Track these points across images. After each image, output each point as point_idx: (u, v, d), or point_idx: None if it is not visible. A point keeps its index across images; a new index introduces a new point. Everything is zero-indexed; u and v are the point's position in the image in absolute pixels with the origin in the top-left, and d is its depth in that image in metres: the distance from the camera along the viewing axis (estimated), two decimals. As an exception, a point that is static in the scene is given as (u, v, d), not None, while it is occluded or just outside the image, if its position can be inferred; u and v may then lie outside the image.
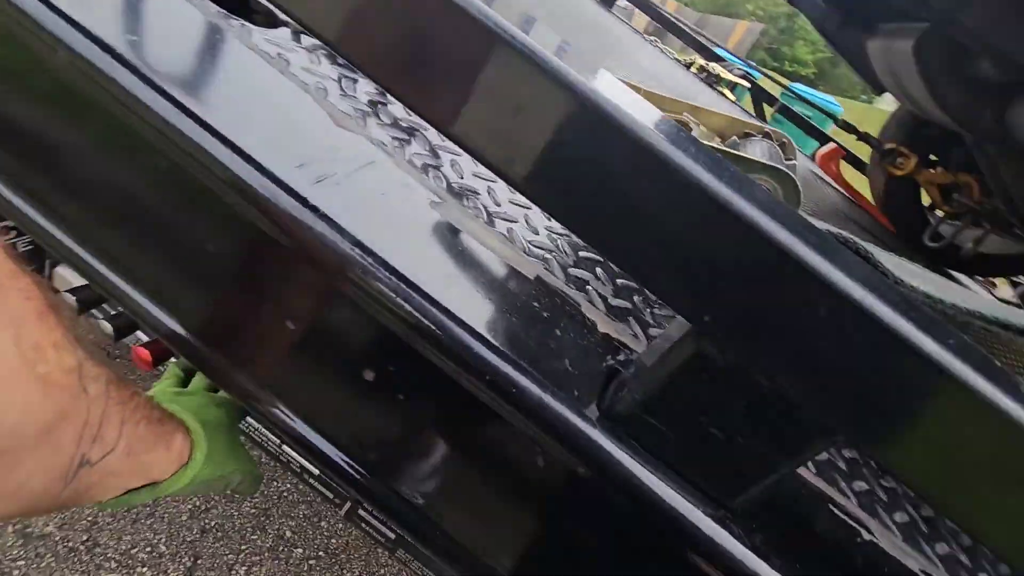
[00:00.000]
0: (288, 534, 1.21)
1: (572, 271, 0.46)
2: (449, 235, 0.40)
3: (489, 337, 0.33)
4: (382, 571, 1.23)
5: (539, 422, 0.33)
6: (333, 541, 1.24)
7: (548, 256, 0.45)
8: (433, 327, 0.32)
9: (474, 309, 0.34)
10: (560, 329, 0.39)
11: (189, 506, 1.16)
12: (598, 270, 0.49)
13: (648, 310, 0.49)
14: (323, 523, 1.26)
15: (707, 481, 0.33)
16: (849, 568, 0.37)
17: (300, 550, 1.20)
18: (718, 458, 0.32)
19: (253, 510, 1.22)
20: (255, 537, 1.18)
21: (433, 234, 0.39)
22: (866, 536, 0.39)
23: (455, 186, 0.46)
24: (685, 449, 0.33)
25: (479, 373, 0.32)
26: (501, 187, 0.50)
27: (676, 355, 0.31)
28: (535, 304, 0.39)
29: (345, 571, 1.20)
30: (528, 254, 0.44)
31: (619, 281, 0.50)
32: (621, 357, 0.40)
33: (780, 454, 0.31)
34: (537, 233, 0.48)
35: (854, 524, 0.40)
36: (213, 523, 1.16)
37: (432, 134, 0.51)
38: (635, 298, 0.49)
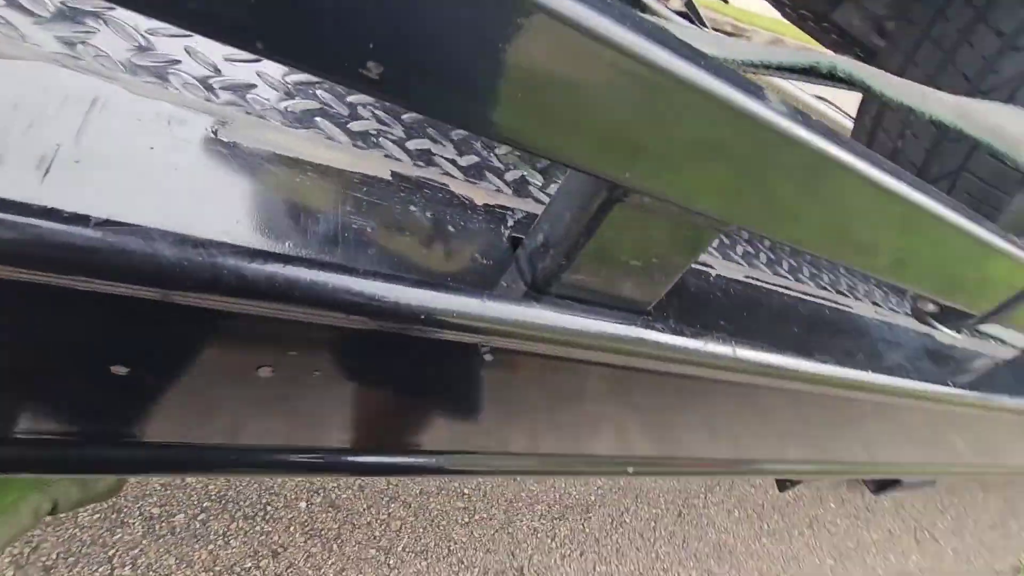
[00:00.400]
0: (156, 511, 1.09)
1: (411, 146, 0.42)
2: (267, 166, 0.32)
3: (397, 275, 0.30)
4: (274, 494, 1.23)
5: (486, 330, 0.34)
6: (211, 487, 1.16)
7: (378, 141, 0.40)
8: (351, 302, 0.28)
9: (360, 254, 0.31)
10: (446, 222, 0.37)
11: (7, 559, 0.94)
12: (431, 131, 0.45)
13: (489, 152, 0.49)
14: (188, 482, 1.15)
15: (629, 301, 0.39)
16: (721, 308, 0.50)
17: (180, 516, 1.11)
18: (634, 280, 0.38)
19: (95, 515, 1.04)
20: (119, 534, 1.04)
21: (250, 172, 0.31)
22: (714, 272, 0.52)
23: (215, 85, 0.35)
24: (607, 286, 0.37)
25: (408, 320, 0.31)
26: (271, 70, 0.39)
27: (591, 212, 0.33)
28: (411, 207, 0.36)
29: (242, 503, 1.17)
30: (364, 147, 0.38)
31: (454, 135, 0.47)
32: (511, 223, 0.41)
33: (681, 256, 0.38)
34: (356, 120, 0.41)
35: (706, 268, 0.52)
36: (56, 553, 0.98)
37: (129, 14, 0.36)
38: (478, 147, 0.48)
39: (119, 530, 0.99)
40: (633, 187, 0.30)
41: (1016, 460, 0.97)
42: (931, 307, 0.56)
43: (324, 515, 1.08)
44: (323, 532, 1.05)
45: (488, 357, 0.38)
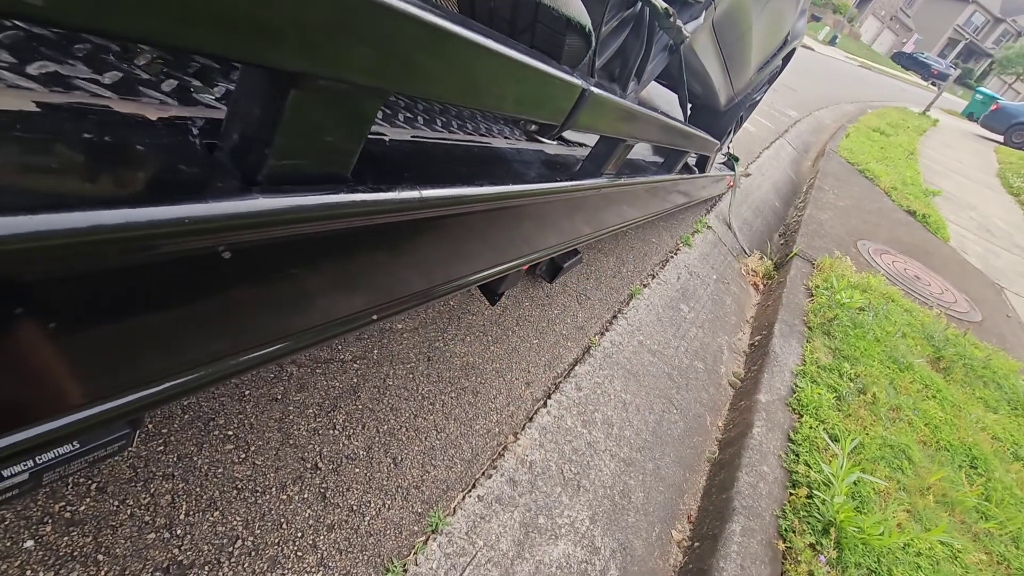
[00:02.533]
0: None
1: (33, 71, 0.37)
2: None
3: (109, 199, 0.31)
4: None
5: (219, 229, 0.37)
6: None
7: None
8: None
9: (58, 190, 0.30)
10: (132, 143, 0.36)
11: None
12: (44, 50, 0.40)
13: (131, 66, 0.45)
14: None
15: (331, 174, 0.46)
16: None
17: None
18: (329, 154, 0.45)
19: None
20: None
21: None
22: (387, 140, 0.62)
23: None
24: (310, 165, 0.43)
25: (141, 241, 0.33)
26: None
27: (274, 102, 0.38)
28: (85, 135, 0.34)
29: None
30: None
31: (76, 50, 0.42)
32: (195, 131, 0.42)
33: (358, 125, 0.46)
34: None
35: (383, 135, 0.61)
36: None
37: None
38: (114, 61, 0.44)
39: None
40: (301, 71, 0.36)
41: (611, 221, 1.46)
42: (533, 127, 0.82)
43: (72, 531, 0.92)
44: (80, 527, 0.91)
45: (227, 255, 0.41)
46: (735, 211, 3.92)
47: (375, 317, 0.68)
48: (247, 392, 1.27)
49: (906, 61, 50.69)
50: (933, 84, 37.17)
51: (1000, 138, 16.64)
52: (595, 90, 0.80)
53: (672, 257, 2.96)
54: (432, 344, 1.66)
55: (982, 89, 20.50)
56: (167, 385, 0.45)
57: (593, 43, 0.87)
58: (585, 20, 0.81)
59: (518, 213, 0.86)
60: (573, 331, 2.06)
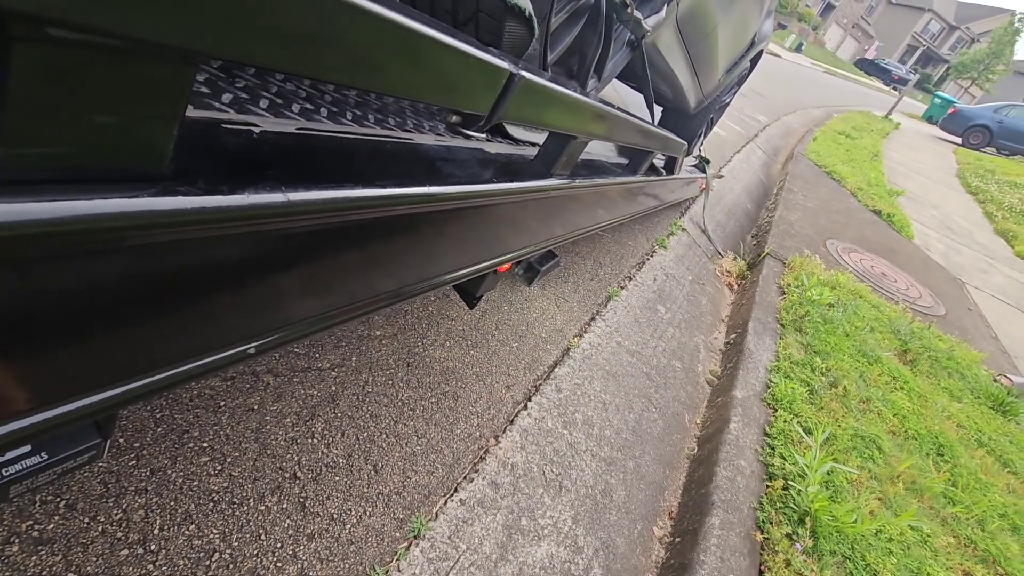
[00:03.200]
0: None
1: None
2: None
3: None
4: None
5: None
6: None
7: None
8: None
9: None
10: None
11: None
12: None
13: None
14: None
15: (135, 169, 0.47)
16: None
17: None
18: (118, 140, 0.38)
19: None
20: None
21: None
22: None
23: None
24: (83, 155, 0.44)
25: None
26: None
27: None
28: None
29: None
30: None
31: None
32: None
33: (161, 102, 0.46)
34: None
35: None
36: None
37: None
38: None
39: None
40: (31, 13, 0.23)
41: (578, 223, 1.48)
42: (454, 118, 0.72)
43: (40, 550, 0.90)
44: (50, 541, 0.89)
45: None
46: (709, 213, 4.00)
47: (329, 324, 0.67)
48: (222, 403, 1.25)
49: (868, 67, 52.46)
50: (894, 89, 38.54)
51: (958, 140, 17.33)
52: (528, 75, 0.68)
53: (648, 259, 3.00)
54: (412, 350, 1.66)
55: (940, 93, 21.33)
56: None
57: (536, 30, 0.82)
58: (524, 3, 0.76)
59: (473, 215, 0.85)
60: (552, 333, 2.07)
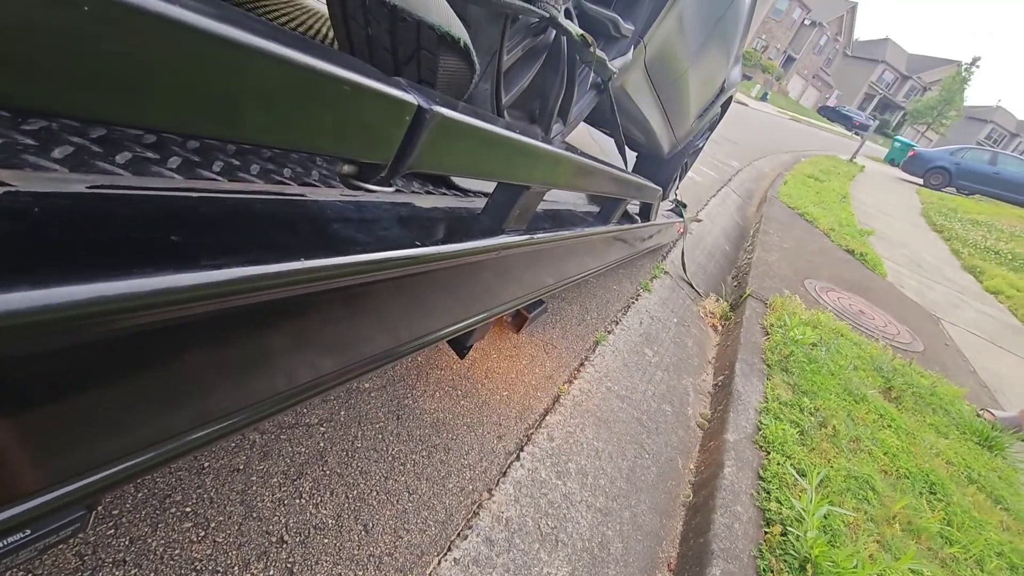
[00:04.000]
0: None
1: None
2: None
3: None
4: None
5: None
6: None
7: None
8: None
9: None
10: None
11: None
12: None
13: None
14: None
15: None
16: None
17: None
18: None
19: None
20: None
21: None
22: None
23: None
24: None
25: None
26: None
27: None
28: None
29: None
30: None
31: None
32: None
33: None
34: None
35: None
36: None
37: None
38: None
39: None
40: None
41: (572, 271, 1.51)
42: (347, 168, 0.52)
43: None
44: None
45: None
46: (690, 255, 4.10)
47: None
48: (206, 464, 1.21)
49: (831, 114, 55.41)
50: (856, 134, 40.62)
51: (920, 181, 18.19)
52: (444, 111, 0.53)
53: (633, 303, 3.04)
54: (401, 402, 1.63)
55: (900, 137, 22.58)
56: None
57: (476, 65, 0.73)
58: (457, 32, 0.65)
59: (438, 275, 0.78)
60: (542, 380, 2.07)
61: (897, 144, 21.65)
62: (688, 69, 2.13)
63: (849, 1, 60.15)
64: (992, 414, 3.29)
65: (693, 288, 3.74)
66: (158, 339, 0.44)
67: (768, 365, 2.80)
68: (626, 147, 1.85)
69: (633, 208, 2.34)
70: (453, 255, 0.75)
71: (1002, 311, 6.44)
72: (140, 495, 1.10)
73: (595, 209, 1.77)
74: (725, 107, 3.58)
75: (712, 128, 3.71)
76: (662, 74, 1.93)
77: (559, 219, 1.35)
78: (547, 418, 1.90)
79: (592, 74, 1.43)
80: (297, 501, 1.24)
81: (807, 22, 57.37)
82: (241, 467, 1.24)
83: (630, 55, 1.52)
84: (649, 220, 2.43)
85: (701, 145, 3.76)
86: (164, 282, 0.38)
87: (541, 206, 1.27)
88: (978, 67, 53.07)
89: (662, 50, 1.75)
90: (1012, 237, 10.25)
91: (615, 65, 1.33)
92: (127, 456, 0.49)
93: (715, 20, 2.11)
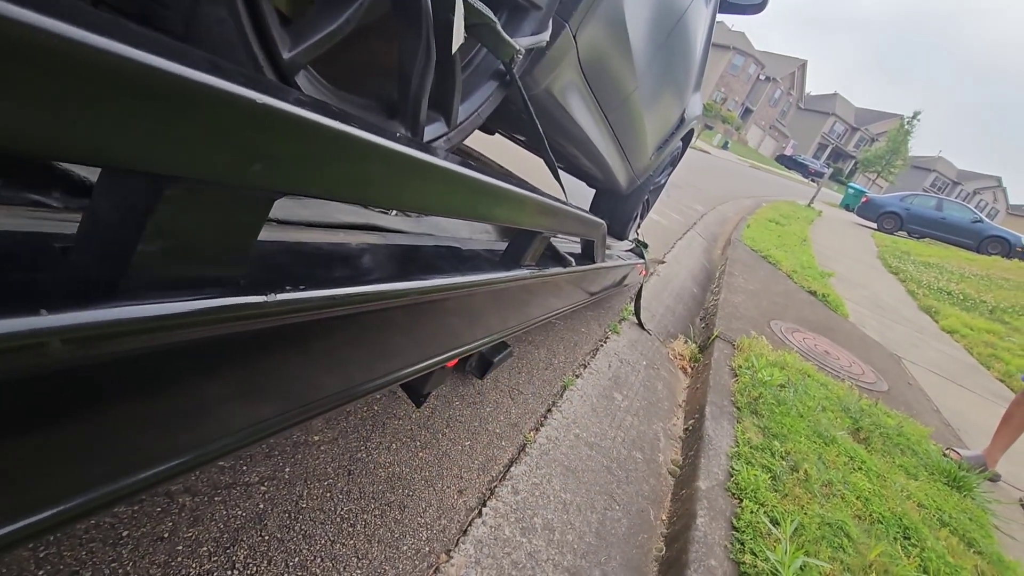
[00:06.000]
0: None
1: None
2: None
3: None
4: None
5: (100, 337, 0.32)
6: None
7: None
8: None
9: None
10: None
11: None
12: None
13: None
14: None
15: (219, 277, 0.42)
16: None
17: None
18: (214, 258, 0.41)
19: None
20: None
21: None
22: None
23: None
24: (192, 269, 0.39)
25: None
26: None
27: (144, 205, 0.34)
28: None
29: None
30: None
31: None
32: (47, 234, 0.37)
33: (243, 229, 0.42)
34: None
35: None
36: None
37: None
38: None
39: None
40: (171, 174, 0.33)
41: (535, 312, 1.46)
42: None
43: None
44: None
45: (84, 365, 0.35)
46: (658, 298, 4.12)
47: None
48: (124, 533, 1.08)
49: (788, 162, 58.48)
50: (812, 181, 42.90)
51: (874, 225, 19.15)
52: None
53: (602, 345, 3.00)
54: (353, 455, 1.53)
55: (853, 184, 23.95)
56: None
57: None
58: None
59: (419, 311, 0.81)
60: (507, 429, 1.98)
61: (851, 190, 22.93)
62: (638, 87, 1.88)
63: (799, 59, 64.87)
64: (958, 453, 3.31)
65: (644, 330, 3.64)
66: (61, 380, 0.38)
67: (738, 408, 2.77)
68: (584, 182, 1.58)
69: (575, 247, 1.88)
70: (395, 295, 0.70)
71: (959, 350, 6.64)
72: (41, 573, 0.97)
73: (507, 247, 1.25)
74: (687, 141, 3.34)
75: (674, 164, 3.51)
76: (606, 85, 1.62)
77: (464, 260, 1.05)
78: (512, 469, 1.80)
79: (489, 56, 1.05)
80: (229, 573, 1.11)
81: (762, 77, 61.43)
82: (166, 535, 1.11)
83: (546, 35, 1.10)
84: (595, 262, 1.93)
85: (663, 182, 3.61)
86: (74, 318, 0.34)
87: (469, 244, 1.18)
88: (919, 120, 57.31)
89: (600, 49, 1.39)
90: (962, 278, 10.75)
91: (522, 44, 0.95)
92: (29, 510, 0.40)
93: (666, 32, 1.88)
